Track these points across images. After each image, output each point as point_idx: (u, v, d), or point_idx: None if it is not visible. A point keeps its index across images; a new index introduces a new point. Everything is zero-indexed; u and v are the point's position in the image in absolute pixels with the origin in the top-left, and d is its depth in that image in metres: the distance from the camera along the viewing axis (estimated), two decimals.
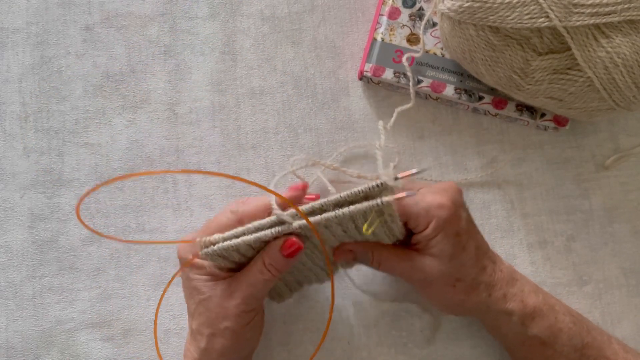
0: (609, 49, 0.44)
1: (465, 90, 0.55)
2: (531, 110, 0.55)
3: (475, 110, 0.57)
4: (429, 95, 0.56)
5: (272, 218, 0.42)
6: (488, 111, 0.57)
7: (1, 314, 0.54)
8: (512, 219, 0.56)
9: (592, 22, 0.44)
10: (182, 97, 0.57)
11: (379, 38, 0.55)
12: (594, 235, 0.56)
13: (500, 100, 0.55)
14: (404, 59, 0.54)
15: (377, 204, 0.40)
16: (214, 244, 0.42)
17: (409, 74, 0.54)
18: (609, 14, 0.44)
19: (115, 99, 0.57)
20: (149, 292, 0.55)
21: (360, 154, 0.57)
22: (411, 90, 0.54)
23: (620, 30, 0.45)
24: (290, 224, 0.42)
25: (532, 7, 0.44)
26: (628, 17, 0.44)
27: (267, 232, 0.42)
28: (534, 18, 0.45)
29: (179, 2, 0.59)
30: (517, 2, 0.45)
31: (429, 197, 0.45)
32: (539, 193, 0.57)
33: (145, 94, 0.57)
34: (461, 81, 0.55)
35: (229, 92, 0.58)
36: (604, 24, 0.44)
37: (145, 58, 0.58)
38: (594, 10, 0.44)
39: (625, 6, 0.44)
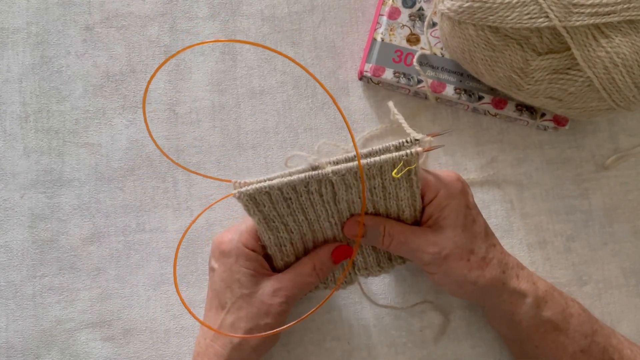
0: (609, 49, 0.45)
1: (465, 90, 0.55)
2: (531, 110, 0.55)
3: (475, 110, 0.57)
4: (429, 95, 0.56)
5: (305, 167, 0.44)
6: (488, 111, 0.57)
7: (1, 313, 0.54)
8: (512, 219, 0.56)
9: (591, 22, 0.44)
10: (182, 97, 0.57)
11: (378, 38, 0.55)
12: (594, 235, 0.56)
13: (500, 100, 0.55)
14: (414, 60, 0.54)
15: (407, 154, 0.43)
16: (248, 185, 0.44)
17: (423, 75, 0.54)
18: (609, 14, 0.44)
19: (115, 99, 0.57)
20: (149, 292, 0.55)
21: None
22: (426, 88, 0.55)
23: (620, 30, 0.45)
24: (323, 168, 0.43)
25: (531, 7, 0.45)
26: (628, 17, 0.44)
27: (300, 175, 0.43)
28: (533, 18, 0.45)
29: (179, 2, 0.59)
30: (517, 2, 0.45)
31: (438, 171, 0.47)
32: (538, 193, 0.57)
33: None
34: (461, 81, 0.55)
35: (229, 92, 0.58)
36: (604, 24, 0.44)
37: (145, 58, 0.58)
38: (594, 10, 0.44)
39: (625, 6, 0.44)
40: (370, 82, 0.57)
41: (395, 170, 0.43)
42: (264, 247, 0.48)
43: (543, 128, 0.57)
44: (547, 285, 0.48)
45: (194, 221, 0.49)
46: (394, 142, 0.44)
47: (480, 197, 0.56)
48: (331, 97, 0.39)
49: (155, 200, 0.56)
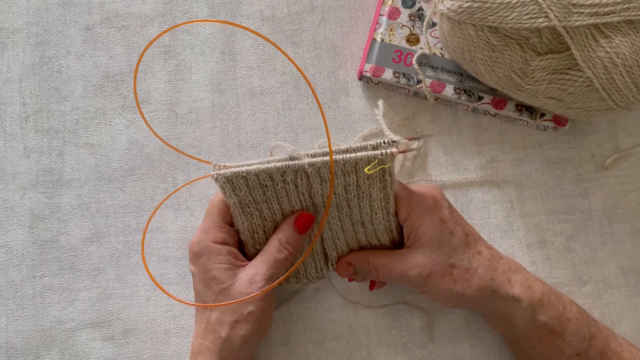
0: (608, 49, 0.45)
1: (465, 90, 0.55)
2: (531, 110, 0.55)
3: (474, 110, 0.57)
4: (427, 95, 0.56)
5: (283, 157, 0.45)
6: (487, 111, 0.57)
7: (1, 313, 0.54)
8: (512, 219, 0.56)
9: (591, 22, 0.44)
10: (182, 97, 0.57)
11: (378, 38, 0.55)
12: (594, 235, 0.56)
13: (500, 100, 0.55)
14: (414, 60, 0.54)
15: (382, 153, 0.44)
16: (227, 169, 0.46)
17: (422, 75, 0.54)
18: (609, 14, 0.44)
19: (115, 99, 0.57)
20: (149, 292, 0.55)
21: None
22: (424, 88, 0.55)
23: (620, 30, 0.45)
24: (300, 159, 0.45)
25: (531, 7, 0.45)
26: (627, 17, 0.44)
27: (277, 163, 0.45)
28: (533, 18, 0.45)
29: (179, 2, 0.59)
30: (517, 2, 0.45)
31: (416, 187, 0.49)
32: (538, 193, 0.57)
33: (145, 94, 0.57)
34: (461, 81, 0.55)
35: (229, 92, 0.58)
36: (604, 24, 0.44)
37: (145, 58, 0.58)
38: (594, 10, 0.44)
39: (625, 6, 0.44)
40: (370, 82, 0.57)
41: (368, 167, 0.45)
42: (236, 233, 0.49)
43: (543, 128, 0.57)
44: (544, 288, 0.48)
45: (160, 204, 0.49)
46: (371, 142, 0.45)
47: (480, 197, 0.57)
48: (308, 82, 0.39)
49: (155, 200, 0.56)
